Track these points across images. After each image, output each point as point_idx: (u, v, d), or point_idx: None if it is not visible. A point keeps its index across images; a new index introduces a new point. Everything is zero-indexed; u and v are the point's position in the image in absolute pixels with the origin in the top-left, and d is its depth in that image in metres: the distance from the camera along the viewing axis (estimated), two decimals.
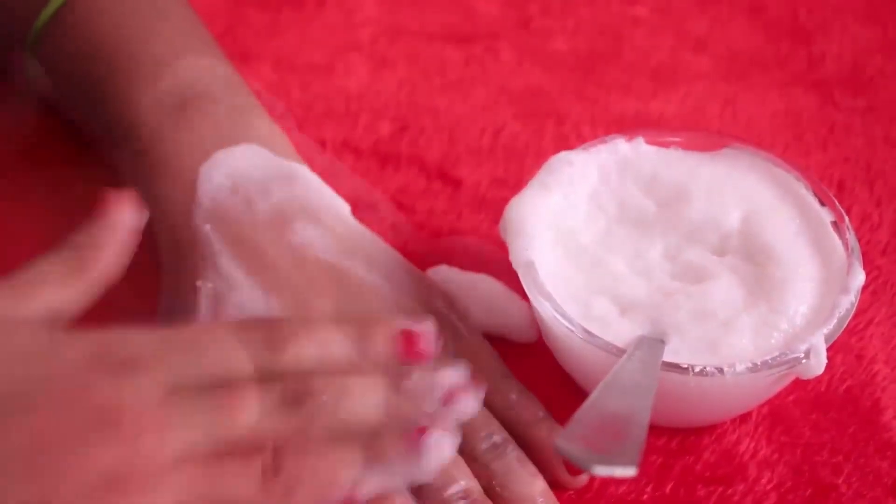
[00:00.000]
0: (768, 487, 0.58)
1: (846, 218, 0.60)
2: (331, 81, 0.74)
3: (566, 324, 0.57)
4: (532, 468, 0.57)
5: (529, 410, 0.58)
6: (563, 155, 0.62)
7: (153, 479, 0.46)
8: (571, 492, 0.58)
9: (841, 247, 0.59)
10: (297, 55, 0.76)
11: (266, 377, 0.49)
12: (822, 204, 0.61)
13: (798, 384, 0.61)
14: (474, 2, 0.79)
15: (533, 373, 0.61)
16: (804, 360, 0.56)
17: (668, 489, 0.58)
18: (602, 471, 0.49)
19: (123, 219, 0.50)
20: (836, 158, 0.71)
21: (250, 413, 0.48)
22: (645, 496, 0.58)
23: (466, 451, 0.56)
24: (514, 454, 0.57)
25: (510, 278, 0.63)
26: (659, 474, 0.59)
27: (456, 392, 0.51)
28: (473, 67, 0.76)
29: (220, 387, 0.48)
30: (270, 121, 0.64)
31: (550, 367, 0.61)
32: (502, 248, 0.61)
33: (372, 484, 0.49)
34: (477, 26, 0.78)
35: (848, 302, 0.57)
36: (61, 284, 0.49)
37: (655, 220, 0.61)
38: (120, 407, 0.46)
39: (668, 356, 0.56)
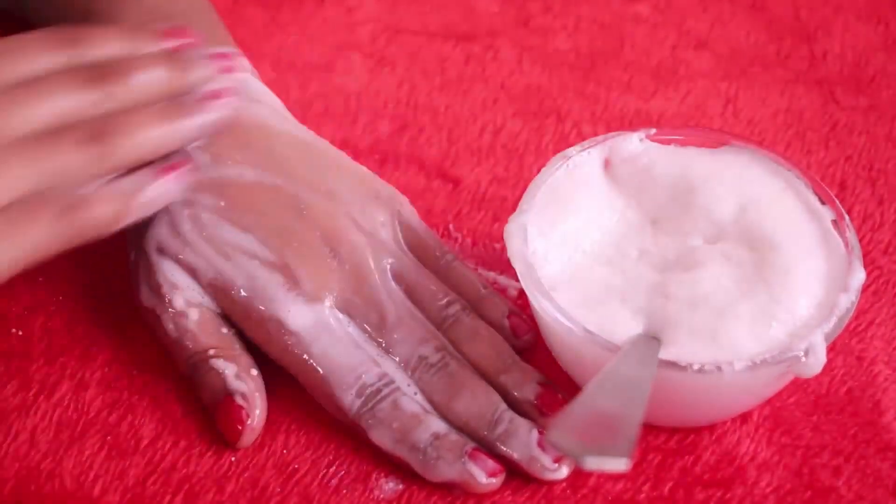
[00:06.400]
0: (767, 490, 0.58)
1: (846, 216, 0.60)
2: (330, 80, 0.74)
3: (565, 322, 0.57)
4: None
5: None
6: (564, 153, 0.62)
7: None
8: (567, 487, 0.58)
9: (841, 245, 0.59)
10: (297, 53, 0.76)
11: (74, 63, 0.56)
12: (823, 202, 0.61)
13: (799, 386, 0.61)
14: (474, 0, 0.79)
15: None
16: (803, 359, 0.56)
17: (665, 489, 0.58)
18: (592, 463, 0.48)
19: None
20: (837, 157, 0.71)
21: (70, 90, 0.54)
22: (642, 495, 0.58)
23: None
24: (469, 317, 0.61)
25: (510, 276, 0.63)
26: (657, 473, 0.58)
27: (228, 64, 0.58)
28: (473, 66, 0.75)
29: (38, 78, 0.55)
30: (219, 20, 0.68)
31: (549, 367, 0.61)
32: (502, 246, 0.60)
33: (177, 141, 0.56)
34: (477, 25, 0.78)
35: (848, 301, 0.57)
36: None
37: (656, 213, 0.61)
38: None
39: (667, 345, 0.56)
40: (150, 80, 0.56)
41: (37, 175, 0.53)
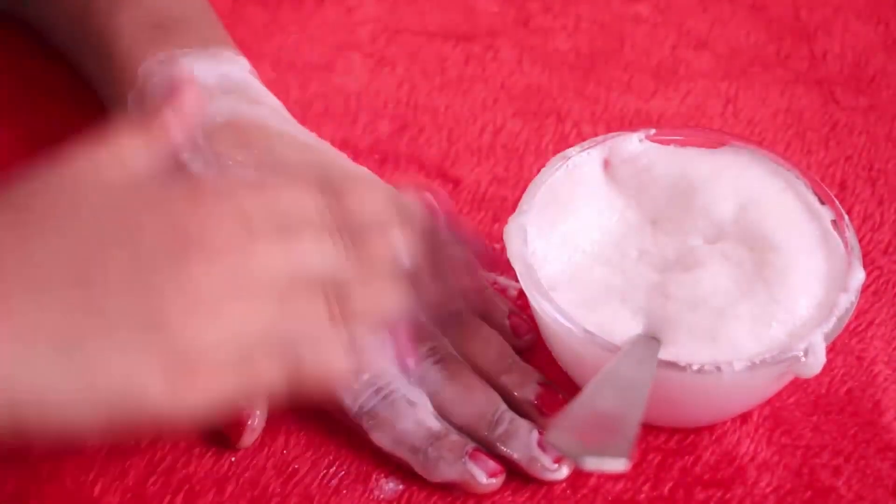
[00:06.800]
0: (767, 490, 0.58)
1: (846, 216, 0.60)
2: (330, 80, 0.74)
3: (565, 322, 0.57)
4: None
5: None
6: (564, 153, 0.62)
7: (247, 293, 0.49)
8: (567, 487, 0.58)
9: (841, 245, 0.59)
10: (297, 53, 0.76)
11: (328, 222, 0.52)
12: (822, 202, 0.61)
13: (799, 386, 0.61)
14: (474, 0, 0.79)
15: None
16: (803, 359, 0.56)
17: (665, 490, 0.58)
18: (591, 464, 0.49)
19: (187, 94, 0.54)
20: (837, 157, 0.71)
21: (321, 251, 0.51)
22: (642, 495, 0.58)
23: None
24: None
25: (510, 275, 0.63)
26: (657, 473, 0.58)
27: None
28: (473, 66, 0.75)
29: (294, 227, 0.51)
30: (237, 52, 0.67)
31: (549, 367, 0.61)
32: (502, 246, 0.60)
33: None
34: (476, 25, 0.77)
35: (847, 301, 0.57)
36: (137, 143, 0.52)
37: (656, 213, 0.61)
38: (210, 231, 0.49)
39: (666, 346, 0.56)
40: (404, 251, 0.54)
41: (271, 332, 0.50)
